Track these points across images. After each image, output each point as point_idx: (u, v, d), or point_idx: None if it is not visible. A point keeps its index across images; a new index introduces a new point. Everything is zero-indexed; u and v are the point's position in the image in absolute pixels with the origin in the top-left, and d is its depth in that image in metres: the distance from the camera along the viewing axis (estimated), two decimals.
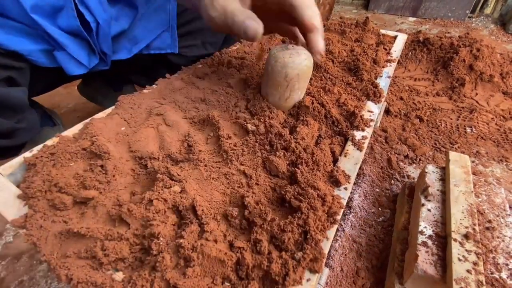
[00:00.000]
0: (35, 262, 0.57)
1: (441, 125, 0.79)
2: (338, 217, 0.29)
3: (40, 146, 0.38)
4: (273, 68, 0.37)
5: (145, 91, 0.50)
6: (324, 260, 0.26)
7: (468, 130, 0.77)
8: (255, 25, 0.32)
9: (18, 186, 0.34)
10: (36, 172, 0.34)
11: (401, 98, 0.88)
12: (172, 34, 0.66)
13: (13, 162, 0.36)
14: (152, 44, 0.65)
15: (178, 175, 0.32)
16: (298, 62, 0.36)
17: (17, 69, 0.52)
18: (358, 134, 0.40)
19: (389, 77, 0.54)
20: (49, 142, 0.39)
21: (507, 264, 0.39)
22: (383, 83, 0.50)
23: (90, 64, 0.56)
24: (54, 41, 0.51)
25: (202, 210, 0.28)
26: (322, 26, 0.37)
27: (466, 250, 0.36)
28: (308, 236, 0.26)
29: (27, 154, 0.37)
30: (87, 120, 0.44)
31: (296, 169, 0.32)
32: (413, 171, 0.66)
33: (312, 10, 0.36)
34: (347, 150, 0.37)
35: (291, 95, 0.39)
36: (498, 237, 0.43)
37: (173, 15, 0.64)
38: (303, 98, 0.42)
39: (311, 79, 0.52)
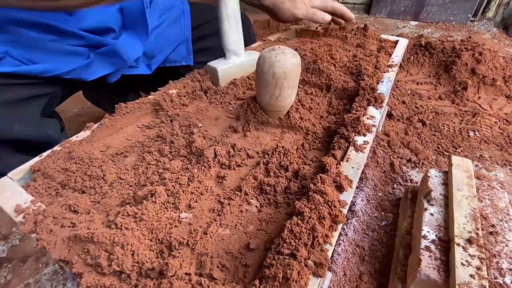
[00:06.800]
0: (40, 265, 0.58)
1: (444, 129, 0.79)
2: (341, 225, 0.29)
3: (47, 152, 0.39)
4: (261, 68, 0.39)
5: (150, 96, 0.51)
6: (328, 266, 0.26)
7: (471, 134, 0.77)
8: (328, 15, 0.68)
9: (27, 190, 0.35)
10: (45, 176, 0.35)
11: (404, 102, 0.89)
12: (188, 46, 0.69)
13: (23, 167, 0.37)
14: (168, 57, 0.68)
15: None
16: (284, 60, 0.39)
17: (52, 94, 0.58)
18: (359, 139, 0.40)
19: (390, 82, 0.54)
20: (56, 148, 0.40)
21: (511, 269, 0.39)
22: (385, 88, 0.51)
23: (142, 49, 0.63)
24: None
25: None
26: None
27: (469, 255, 0.36)
28: (314, 242, 0.27)
29: (36, 159, 0.38)
30: (95, 126, 0.45)
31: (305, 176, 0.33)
32: (416, 175, 0.66)
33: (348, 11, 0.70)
34: (349, 155, 0.38)
35: (281, 93, 0.41)
36: (501, 242, 0.42)
37: (187, 28, 0.67)
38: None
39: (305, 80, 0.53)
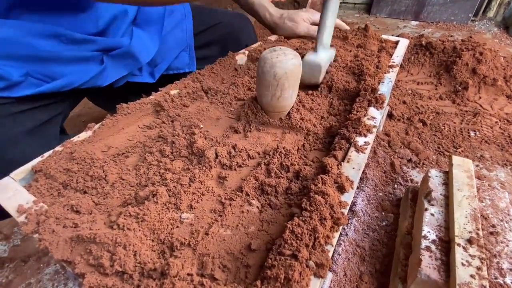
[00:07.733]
0: (42, 265, 0.58)
1: (445, 129, 0.79)
2: (341, 227, 0.30)
3: (49, 153, 0.40)
4: (262, 69, 0.40)
5: (151, 97, 0.51)
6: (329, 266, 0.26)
7: (472, 134, 0.77)
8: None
9: (29, 191, 0.35)
10: (47, 177, 0.35)
11: (404, 102, 0.89)
12: (190, 53, 0.68)
13: (25, 167, 0.37)
14: (171, 65, 0.67)
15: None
16: (285, 61, 0.39)
17: (66, 112, 0.58)
18: (360, 140, 0.40)
19: (391, 82, 0.54)
20: (58, 148, 0.40)
21: (511, 269, 0.39)
22: (386, 88, 0.51)
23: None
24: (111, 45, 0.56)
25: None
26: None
27: (470, 255, 0.36)
28: (315, 243, 0.27)
29: (38, 159, 0.38)
30: (96, 126, 0.45)
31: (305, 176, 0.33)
32: (416, 175, 0.66)
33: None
34: (350, 156, 0.38)
35: (282, 94, 0.41)
36: (502, 242, 0.43)
37: (189, 33, 0.67)
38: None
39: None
